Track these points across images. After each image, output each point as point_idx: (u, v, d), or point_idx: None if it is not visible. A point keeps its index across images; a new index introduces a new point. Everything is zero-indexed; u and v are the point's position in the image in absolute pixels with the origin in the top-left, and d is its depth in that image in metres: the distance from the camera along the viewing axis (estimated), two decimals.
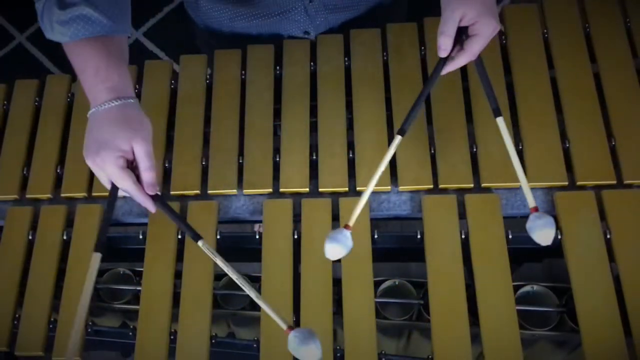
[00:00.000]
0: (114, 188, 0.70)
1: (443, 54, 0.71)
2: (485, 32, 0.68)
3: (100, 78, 0.67)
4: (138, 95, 0.92)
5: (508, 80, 0.86)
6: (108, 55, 0.68)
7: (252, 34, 0.96)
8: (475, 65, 0.74)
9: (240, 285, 0.66)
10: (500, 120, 0.73)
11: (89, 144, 0.68)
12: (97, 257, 0.67)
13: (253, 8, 0.90)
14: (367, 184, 0.70)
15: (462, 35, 0.70)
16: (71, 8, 0.67)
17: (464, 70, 0.87)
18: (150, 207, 0.70)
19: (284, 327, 0.64)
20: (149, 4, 2.09)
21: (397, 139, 0.71)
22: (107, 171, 0.67)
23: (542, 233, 0.70)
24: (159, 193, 0.70)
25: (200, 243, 0.68)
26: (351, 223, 0.69)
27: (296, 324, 0.75)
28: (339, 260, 0.77)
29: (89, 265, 0.68)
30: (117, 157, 0.66)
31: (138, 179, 0.68)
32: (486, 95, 0.74)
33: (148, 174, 0.68)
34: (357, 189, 0.82)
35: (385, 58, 0.90)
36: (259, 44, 0.93)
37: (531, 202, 0.72)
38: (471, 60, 0.71)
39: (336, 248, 0.68)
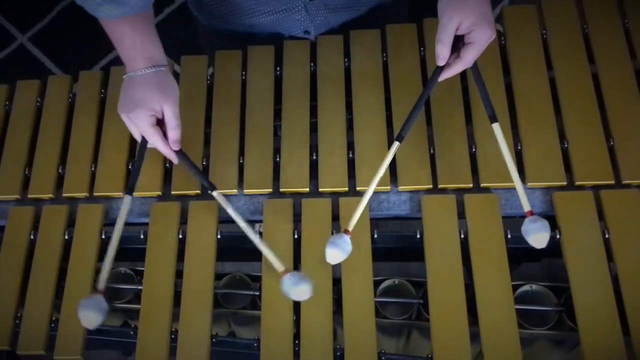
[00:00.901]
0: (144, 141, 0.79)
1: (441, 62, 0.73)
2: (481, 40, 0.70)
3: (137, 50, 0.76)
4: None
5: (507, 81, 0.87)
6: (142, 30, 0.76)
7: (253, 33, 0.96)
8: (471, 72, 0.76)
9: (245, 232, 0.75)
10: (496, 127, 0.74)
11: (124, 102, 0.77)
12: (128, 198, 0.76)
13: (254, 4, 0.91)
14: (366, 189, 0.72)
15: (458, 43, 0.71)
16: None
17: (463, 72, 0.87)
18: (174, 159, 0.79)
19: (282, 269, 0.71)
20: None
21: (395, 145, 0.72)
22: (140, 127, 0.76)
23: (538, 236, 0.71)
24: (182, 149, 0.79)
25: (215, 193, 0.78)
26: (350, 228, 0.71)
27: (296, 323, 0.75)
28: None
29: (122, 207, 0.76)
30: (149, 116, 0.75)
31: (165, 135, 0.77)
32: (483, 101, 0.75)
33: (174, 132, 0.77)
34: (357, 189, 0.82)
35: (385, 59, 0.90)
36: (260, 44, 0.93)
37: (526, 206, 0.72)
38: (467, 67, 0.73)
39: (336, 253, 0.70)
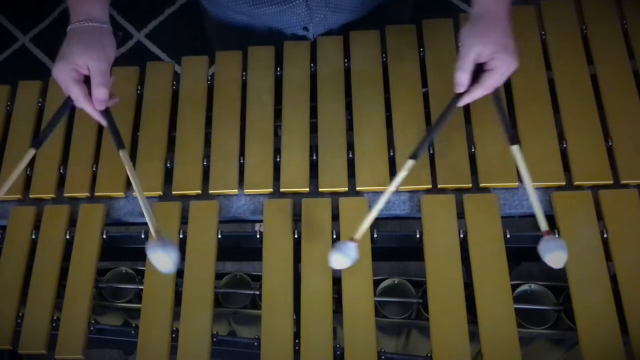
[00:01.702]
0: (69, 98, 0.75)
1: (460, 89, 0.73)
2: (501, 68, 0.70)
3: (77, 3, 0.74)
4: (140, 96, 0.93)
5: (506, 81, 0.87)
6: None
7: (254, 25, 0.97)
8: (492, 98, 0.75)
9: (136, 191, 0.73)
10: (515, 149, 0.73)
11: (57, 57, 0.73)
12: (31, 152, 0.75)
13: None
14: (378, 203, 0.71)
15: (478, 71, 0.72)
16: None
17: None
18: (100, 120, 0.75)
19: (153, 232, 0.70)
20: (151, 6, 2.11)
21: (410, 162, 0.72)
22: (60, 81, 0.73)
23: (555, 255, 0.68)
24: (108, 108, 0.76)
25: (121, 153, 0.75)
26: (357, 237, 0.70)
27: (297, 322, 0.76)
28: None
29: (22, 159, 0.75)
30: (71, 70, 0.71)
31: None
32: (502, 126, 0.74)
33: (99, 90, 0.72)
34: (357, 189, 0.82)
35: (384, 59, 0.90)
36: (261, 38, 0.93)
37: (544, 226, 0.70)
38: (487, 93, 0.73)
39: (341, 259, 0.70)
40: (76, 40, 0.73)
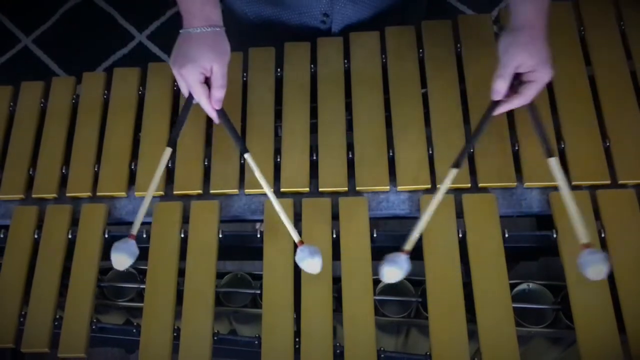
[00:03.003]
0: (190, 97, 0.81)
1: (497, 96, 0.75)
2: (540, 79, 0.73)
3: (197, 7, 0.79)
4: (142, 97, 0.94)
5: None
6: None
7: (273, 14, 0.98)
8: (528, 109, 0.77)
9: (271, 200, 0.77)
10: (552, 161, 0.74)
11: (177, 57, 0.79)
12: (168, 150, 0.80)
13: None
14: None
15: (516, 80, 0.74)
16: None
17: (461, 71, 0.89)
18: (215, 118, 0.81)
19: (297, 240, 0.75)
20: (153, 7, 2.11)
21: (453, 171, 0.75)
22: (188, 82, 0.78)
23: (596, 269, 0.68)
24: (223, 108, 0.81)
25: (246, 155, 0.80)
26: (408, 247, 0.72)
27: (297, 321, 0.76)
28: (338, 259, 0.79)
29: (160, 159, 0.79)
30: (199, 73, 0.77)
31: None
32: (539, 138, 0.76)
33: (218, 91, 0.79)
34: (357, 189, 0.83)
35: (384, 60, 0.91)
36: (278, 27, 0.95)
37: (583, 237, 0.70)
38: (524, 104, 0.75)
39: (394, 270, 0.71)
40: (201, 44, 0.77)
